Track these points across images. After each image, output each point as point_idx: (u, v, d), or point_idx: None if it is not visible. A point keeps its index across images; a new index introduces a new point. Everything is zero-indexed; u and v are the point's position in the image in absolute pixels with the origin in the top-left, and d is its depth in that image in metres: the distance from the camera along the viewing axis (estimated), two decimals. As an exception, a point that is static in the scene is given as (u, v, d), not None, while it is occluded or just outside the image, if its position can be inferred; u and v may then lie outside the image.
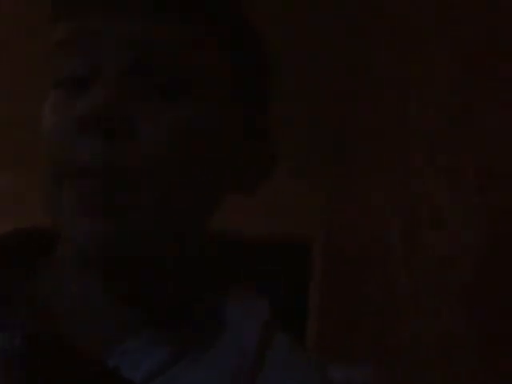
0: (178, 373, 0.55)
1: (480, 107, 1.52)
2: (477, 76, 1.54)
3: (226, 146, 0.60)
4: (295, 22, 2.17)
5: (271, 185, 0.64)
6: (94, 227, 0.54)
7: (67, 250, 0.59)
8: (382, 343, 1.93)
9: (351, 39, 2.15)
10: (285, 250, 2.37)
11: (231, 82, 0.59)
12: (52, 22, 0.59)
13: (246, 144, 0.61)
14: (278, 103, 0.69)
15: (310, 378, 0.59)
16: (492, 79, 1.48)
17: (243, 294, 0.62)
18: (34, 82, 0.62)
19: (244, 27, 0.60)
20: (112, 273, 0.57)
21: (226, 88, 0.59)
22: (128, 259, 0.56)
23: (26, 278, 0.60)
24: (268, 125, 0.64)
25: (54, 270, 0.61)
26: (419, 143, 1.80)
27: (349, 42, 2.16)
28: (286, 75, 2.20)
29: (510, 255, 1.36)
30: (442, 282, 1.62)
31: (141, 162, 0.54)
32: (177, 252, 0.60)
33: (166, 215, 0.56)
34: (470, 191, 1.52)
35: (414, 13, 1.93)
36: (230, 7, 0.59)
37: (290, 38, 2.13)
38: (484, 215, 1.46)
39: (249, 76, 0.61)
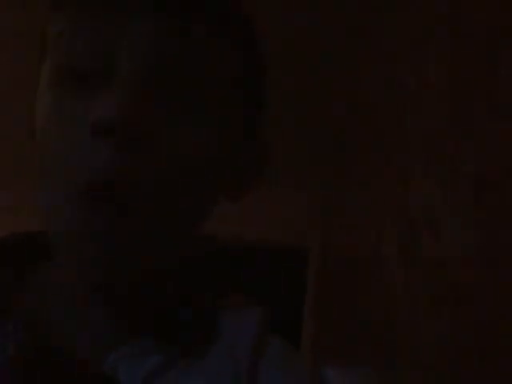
0: (170, 380, 0.54)
1: (479, 115, 1.52)
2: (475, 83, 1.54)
3: (227, 149, 0.58)
4: (295, 22, 2.16)
5: (273, 195, 0.63)
6: (108, 246, 0.51)
7: (64, 268, 0.56)
8: (380, 348, 1.92)
9: (351, 39, 2.15)
10: (284, 258, 2.37)
11: (231, 84, 0.58)
12: (52, 10, 0.55)
13: (244, 145, 0.60)
14: (277, 104, 0.68)
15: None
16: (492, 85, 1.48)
17: (241, 302, 0.61)
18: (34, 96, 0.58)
19: (244, 27, 0.60)
20: (112, 290, 0.55)
21: (230, 96, 0.57)
22: (133, 274, 0.54)
23: (14, 286, 0.58)
24: (263, 125, 0.63)
25: (42, 279, 0.59)
26: (417, 154, 1.80)
27: (349, 41, 2.16)
28: (286, 75, 2.20)
29: (506, 265, 1.36)
30: (439, 292, 1.62)
31: (154, 175, 0.51)
32: (176, 260, 0.58)
33: (171, 228, 0.54)
34: (468, 203, 1.52)
35: (414, 12, 1.92)
36: (230, 8, 0.58)
37: (290, 38, 2.13)
38: (481, 226, 1.46)
39: (249, 77, 0.60)
